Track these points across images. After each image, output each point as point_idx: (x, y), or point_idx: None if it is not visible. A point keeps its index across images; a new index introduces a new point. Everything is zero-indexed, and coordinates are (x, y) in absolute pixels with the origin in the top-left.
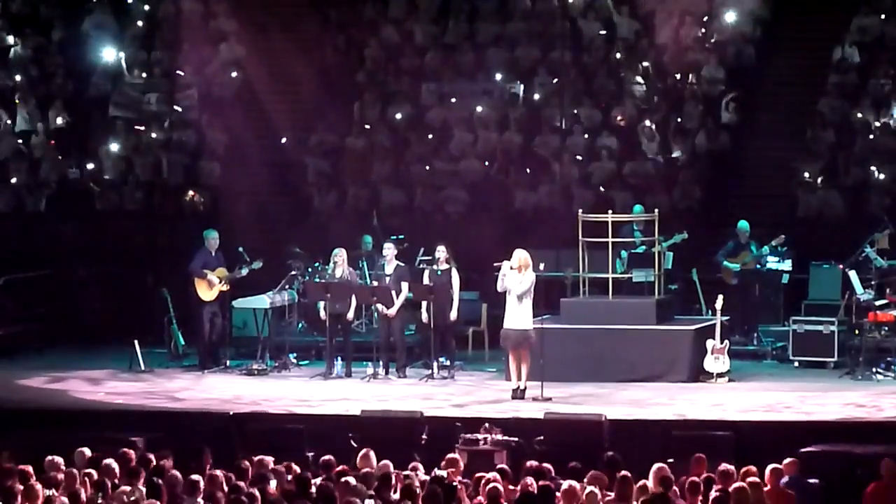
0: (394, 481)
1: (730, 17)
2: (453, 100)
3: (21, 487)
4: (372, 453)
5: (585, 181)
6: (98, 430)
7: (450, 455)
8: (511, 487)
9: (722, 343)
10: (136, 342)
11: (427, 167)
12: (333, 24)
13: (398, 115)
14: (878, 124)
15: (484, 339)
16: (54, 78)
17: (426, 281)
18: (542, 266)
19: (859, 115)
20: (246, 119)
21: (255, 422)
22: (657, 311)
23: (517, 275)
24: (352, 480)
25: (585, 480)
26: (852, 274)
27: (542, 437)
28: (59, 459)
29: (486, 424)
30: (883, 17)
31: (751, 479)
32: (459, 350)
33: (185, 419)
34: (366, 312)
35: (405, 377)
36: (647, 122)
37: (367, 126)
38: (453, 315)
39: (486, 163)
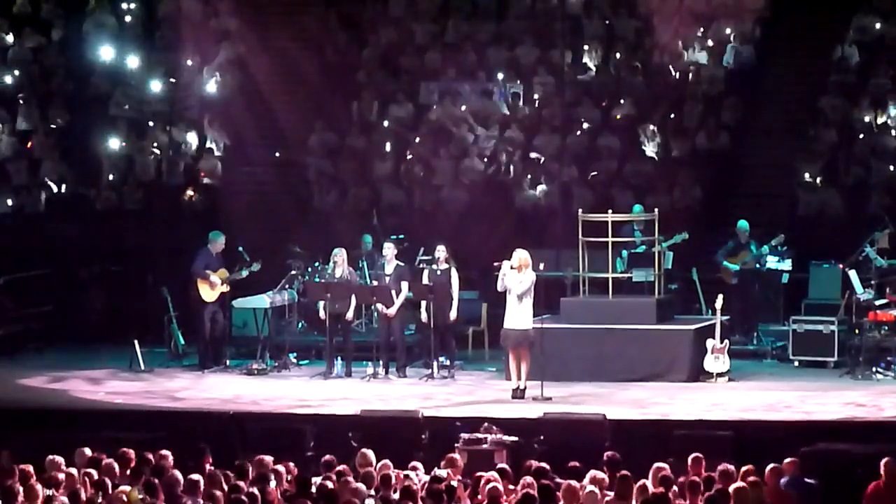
0: (394, 481)
1: (730, 16)
2: (453, 99)
3: (21, 487)
4: (372, 453)
5: (585, 180)
6: (98, 429)
7: (450, 455)
8: (511, 487)
9: (722, 343)
10: (136, 342)
11: (427, 167)
12: (334, 23)
13: (398, 115)
14: (879, 122)
15: (484, 339)
16: (54, 77)
17: (426, 280)
18: (542, 266)
19: (859, 114)
20: (246, 118)
21: (254, 421)
22: (657, 311)
23: (517, 274)
24: (352, 480)
25: (585, 480)
26: (852, 273)
27: (541, 437)
28: (60, 459)
29: (486, 424)
30: (883, 16)
31: (751, 478)
32: (459, 350)
33: (185, 419)
34: (366, 312)
35: (405, 377)
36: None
37: (368, 125)
38: (453, 315)
39: (486, 161)
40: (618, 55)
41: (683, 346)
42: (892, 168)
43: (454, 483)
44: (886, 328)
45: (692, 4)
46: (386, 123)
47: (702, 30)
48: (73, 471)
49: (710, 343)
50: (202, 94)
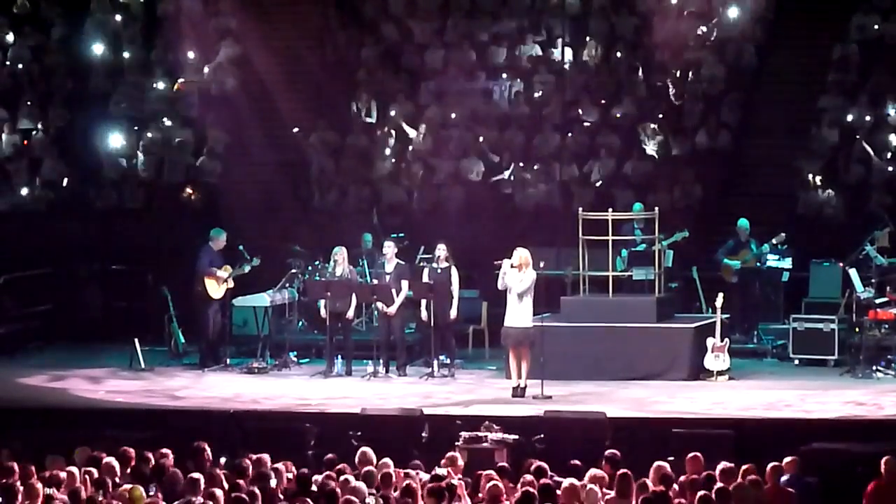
0: (394, 480)
1: (731, 14)
2: (453, 98)
3: (21, 486)
4: (372, 452)
5: (585, 179)
6: (98, 428)
7: (450, 453)
8: (511, 486)
9: (722, 341)
10: (136, 340)
11: (427, 166)
12: (334, 22)
13: (398, 114)
14: (878, 121)
15: (484, 338)
16: (55, 76)
17: (426, 279)
18: (542, 264)
19: (859, 113)
20: (246, 117)
21: (255, 420)
22: (657, 310)
23: (517, 273)
24: (352, 479)
25: (586, 478)
26: (852, 272)
27: (542, 436)
28: (60, 458)
29: (487, 423)
30: (882, 15)
31: (751, 477)
32: (459, 348)
33: (185, 417)
34: (366, 311)
35: (405, 375)
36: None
37: (367, 124)
38: (453, 313)
39: (486, 160)
40: (618, 54)
41: (684, 345)
42: (891, 169)
43: (454, 482)
44: (887, 327)
45: (692, 3)
46: (386, 124)
47: (702, 29)
48: (74, 469)
49: (710, 341)
50: (202, 92)
